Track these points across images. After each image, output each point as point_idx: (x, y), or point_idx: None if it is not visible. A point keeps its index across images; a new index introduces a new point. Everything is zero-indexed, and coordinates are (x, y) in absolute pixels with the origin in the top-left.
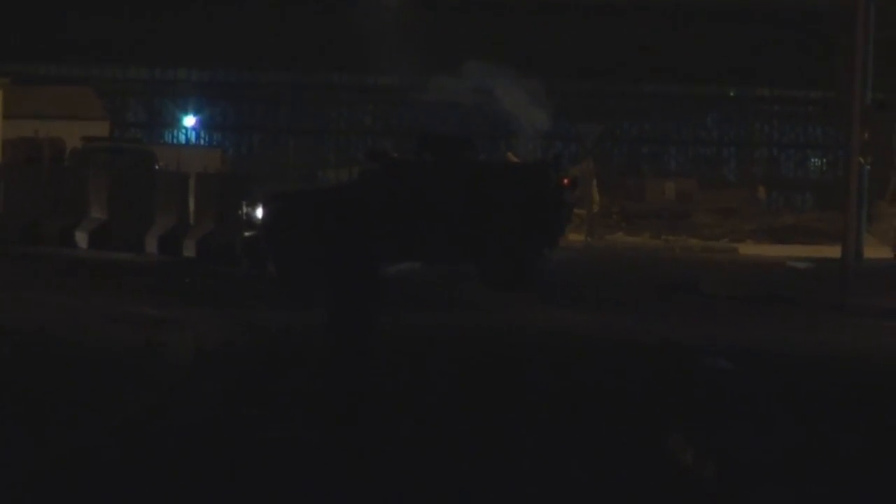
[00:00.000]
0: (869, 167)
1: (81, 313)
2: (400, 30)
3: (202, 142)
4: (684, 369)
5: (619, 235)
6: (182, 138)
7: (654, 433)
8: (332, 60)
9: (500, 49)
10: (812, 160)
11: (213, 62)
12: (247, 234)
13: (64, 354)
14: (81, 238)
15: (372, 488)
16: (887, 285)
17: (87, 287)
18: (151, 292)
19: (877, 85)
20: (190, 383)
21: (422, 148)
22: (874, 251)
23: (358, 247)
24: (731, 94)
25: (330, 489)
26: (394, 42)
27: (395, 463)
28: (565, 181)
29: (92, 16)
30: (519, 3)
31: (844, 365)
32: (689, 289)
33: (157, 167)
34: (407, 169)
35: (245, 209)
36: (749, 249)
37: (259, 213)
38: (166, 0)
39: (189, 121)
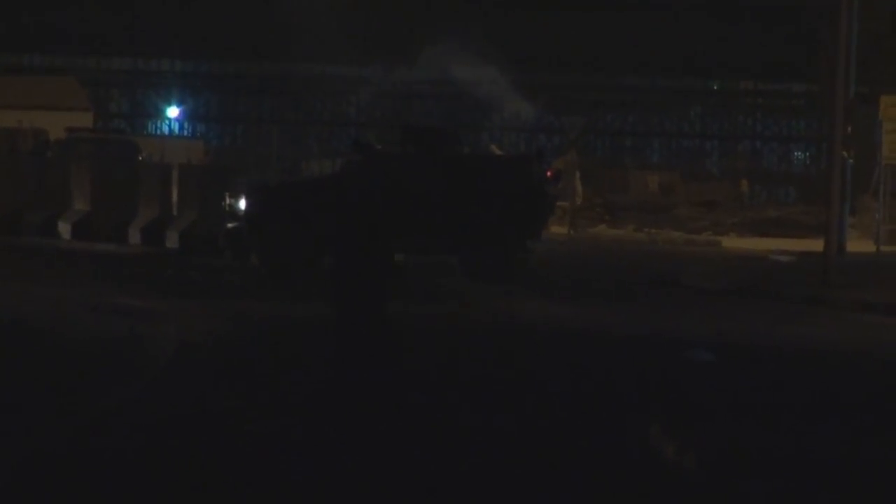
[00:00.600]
0: (852, 161)
1: (64, 304)
2: (384, 20)
3: (185, 133)
4: (667, 362)
5: (602, 228)
6: (165, 129)
7: (638, 424)
8: (317, 51)
9: (485, 41)
10: (795, 154)
11: (197, 53)
12: (230, 225)
13: (46, 345)
14: (64, 229)
15: (353, 481)
16: (870, 279)
17: (70, 277)
18: (135, 283)
19: (861, 78)
20: (173, 374)
21: (405, 140)
22: (857, 245)
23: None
24: (715, 87)
25: (308, 483)
26: (378, 33)
27: (384, 456)
28: (548, 173)
29: (75, 6)
30: None
31: (825, 358)
32: (672, 282)
33: (140, 158)
34: (390, 161)
35: (228, 200)
36: (732, 243)
37: (242, 204)
38: None
39: (172, 112)
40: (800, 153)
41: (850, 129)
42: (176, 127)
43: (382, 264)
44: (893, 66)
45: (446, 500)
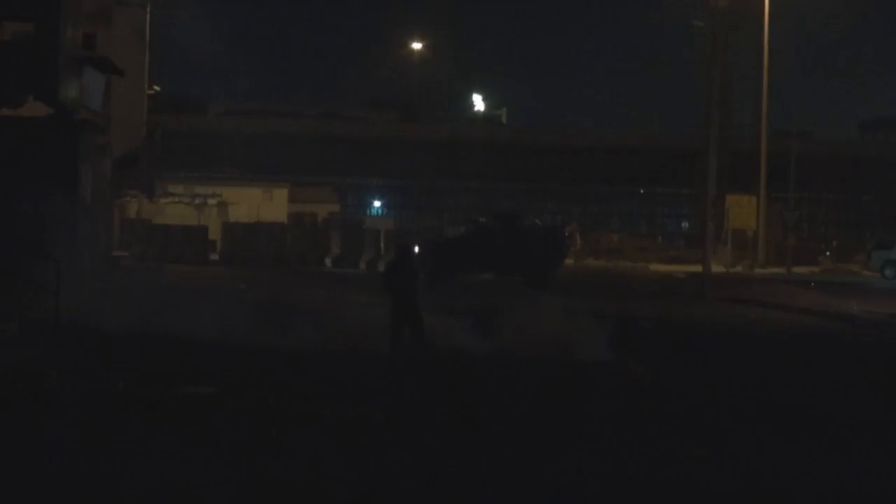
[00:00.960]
0: (713, 227)
1: (332, 296)
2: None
3: (385, 213)
4: (628, 327)
5: (589, 261)
6: (374, 212)
7: (613, 360)
8: (444, 173)
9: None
10: (683, 224)
11: (392, 174)
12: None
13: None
14: (328, 262)
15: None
16: (725, 286)
17: (330, 286)
18: (361, 289)
19: (718, 186)
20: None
21: (496, 218)
22: (716, 269)
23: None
24: (642, 191)
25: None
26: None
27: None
28: (565, 234)
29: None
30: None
31: (709, 323)
32: (625, 287)
33: (364, 227)
34: (490, 228)
35: (411, 248)
36: (655, 268)
37: (416, 248)
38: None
39: (376, 203)
40: (685, 223)
41: (712, 211)
42: (380, 211)
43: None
44: (732, 181)
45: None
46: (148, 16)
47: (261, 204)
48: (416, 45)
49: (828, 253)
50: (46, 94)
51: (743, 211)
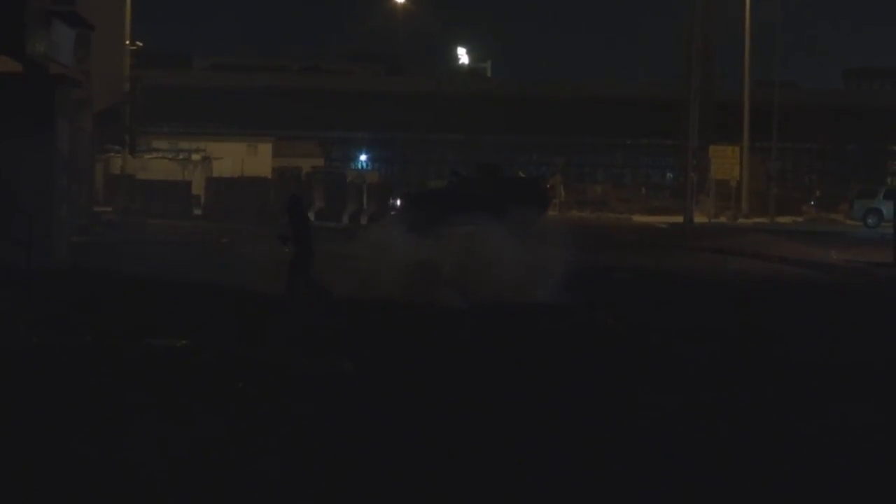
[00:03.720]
0: (696, 177)
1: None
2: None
3: (369, 167)
4: (607, 277)
5: (573, 212)
6: (360, 166)
7: (590, 309)
8: (429, 126)
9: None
10: (668, 174)
11: (377, 128)
12: (392, 213)
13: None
14: (311, 216)
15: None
16: (705, 237)
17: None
18: (341, 241)
19: (700, 136)
20: None
21: (478, 169)
22: (699, 219)
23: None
24: (628, 141)
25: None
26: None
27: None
28: (548, 185)
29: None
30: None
31: (686, 273)
32: (608, 238)
33: (348, 180)
34: (471, 180)
35: (391, 200)
36: (638, 219)
37: (398, 202)
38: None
39: (362, 157)
40: (671, 174)
41: (694, 162)
42: (364, 165)
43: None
44: (715, 131)
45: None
46: None
47: (245, 158)
48: None
49: (811, 203)
50: (12, 49)
51: (726, 161)
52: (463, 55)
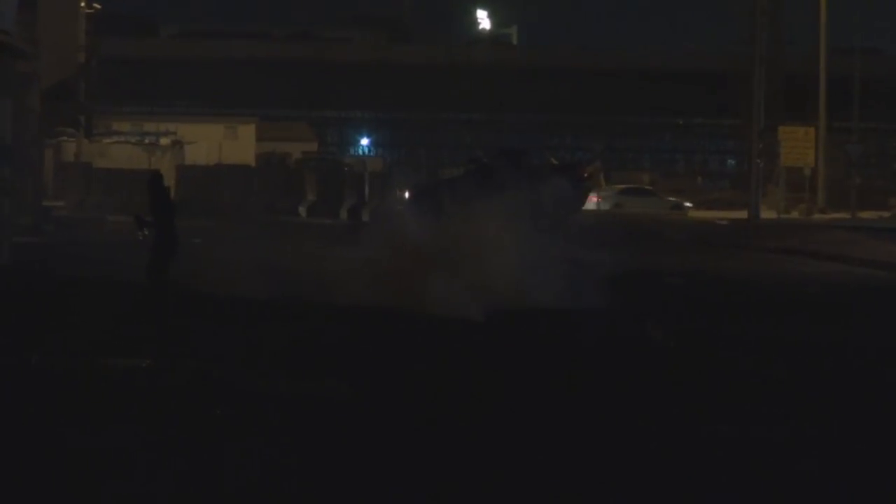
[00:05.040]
0: (762, 164)
1: (299, 252)
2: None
3: (372, 153)
4: (655, 282)
5: (616, 206)
6: (360, 152)
7: (638, 320)
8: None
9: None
10: (729, 161)
11: (380, 107)
12: (398, 207)
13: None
14: (302, 211)
15: None
16: (773, 235)
17: (304, 238)
18: (340, 242)
19: (766, 116)
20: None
21: (501, 155)
22: (766, 214)
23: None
24: (680, 122)
25: None
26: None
27: None
28: (585, 174)
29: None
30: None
31: (750, 278)
32: (657, 236)
33: (345, 169)
34: (492, 167)
35: (398, 192)
36: (692, 213)
37: (406, 194)
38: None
39: (364, 141)
40: (731, 160)
41: (761, 146)
42: (366, 150)
43: None
44: (784, 109)
45: None
46: None
47: (223, 143)
48: None
49: None
50: None
51: (799, 145)
52: (483, 19)
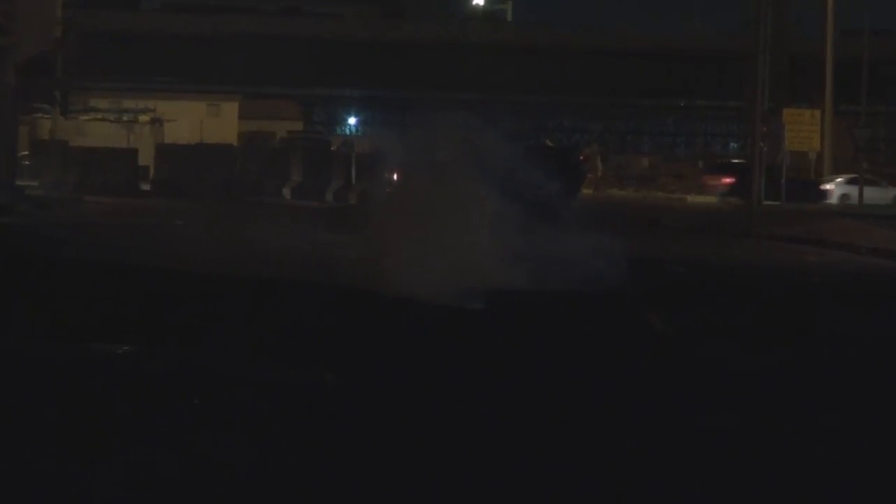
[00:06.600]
0: (765, 148)
1: (286, 237)
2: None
3: (359, 133)
4: (654, 270)
5: (613, 191)
6: (347, 131)
7: (636, 311)
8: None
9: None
10: (731, 144)
11: (368, 84)
12: (388, 189)
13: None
14: (286, 192)
15: None
16: (776, 222)
17: (289, 222)
18: (327, 225)
19: (770, 98)
20: None
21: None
22: (769, 199)
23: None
24: (682, 104)
25: None
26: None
27: None
28: (581, 158)
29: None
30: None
31: (752, 267)
32: (656, 223)
33: (332, 149)
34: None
35: (387, 175)
36: (693, 199)
37: (395, 176)
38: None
39: (351, 120)
40: (734, 144)
41: (764, 129)
42: (353, 130)
43: None
44: (790, 91)
45: None
46: None
47: (205, 121)
48: None
49: None
50: None
51: (804, 128)
52: None
